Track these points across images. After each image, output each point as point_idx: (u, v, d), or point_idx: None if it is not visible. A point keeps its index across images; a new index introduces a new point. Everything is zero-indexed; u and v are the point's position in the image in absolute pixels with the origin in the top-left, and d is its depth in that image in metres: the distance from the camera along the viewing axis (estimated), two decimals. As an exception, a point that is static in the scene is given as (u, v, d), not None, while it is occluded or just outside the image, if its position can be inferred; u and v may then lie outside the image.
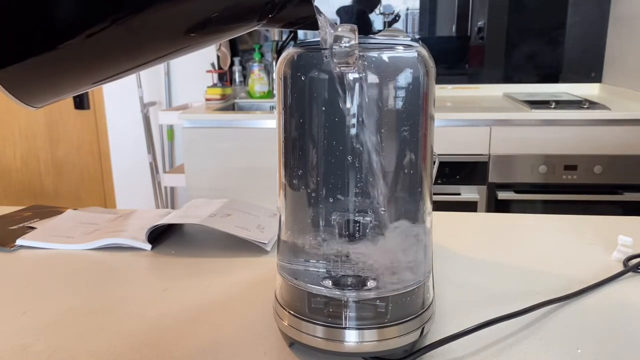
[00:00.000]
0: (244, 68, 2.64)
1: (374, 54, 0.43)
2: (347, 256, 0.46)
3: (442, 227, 0.82)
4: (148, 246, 0.75)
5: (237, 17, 0.38)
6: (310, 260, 0.47)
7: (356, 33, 0.41)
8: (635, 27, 2.23)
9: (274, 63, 2.51)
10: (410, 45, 0.45)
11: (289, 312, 0.49)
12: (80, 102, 2.77)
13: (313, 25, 0.41)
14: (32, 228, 0.83)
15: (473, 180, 2.03)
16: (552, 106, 2.04)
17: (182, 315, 0.57)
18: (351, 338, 0.46)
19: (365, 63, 0.42)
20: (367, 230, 0.45)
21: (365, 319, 0.46)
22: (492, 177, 2.02)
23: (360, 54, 0.42)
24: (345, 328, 0.46)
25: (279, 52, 2.48)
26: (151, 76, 2.69)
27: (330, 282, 0.47)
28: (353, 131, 0.43)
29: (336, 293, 0.46)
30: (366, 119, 0.43)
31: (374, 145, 0.44)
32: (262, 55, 2.53)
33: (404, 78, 0.43)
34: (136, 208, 0.96)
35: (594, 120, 1.95)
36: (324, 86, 0.43)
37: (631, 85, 2.23)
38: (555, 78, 2.51)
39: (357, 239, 0.46)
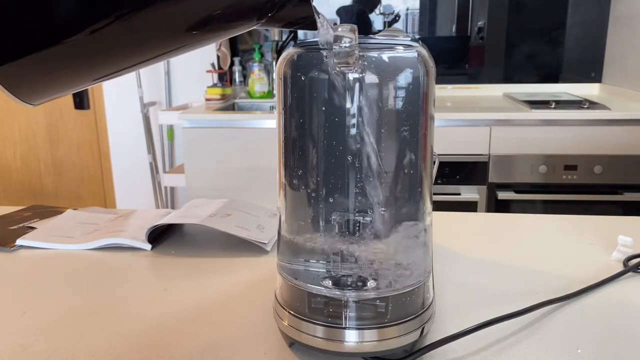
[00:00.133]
0: (244, 68, 2.64)
1: (374, 54, 0.43)
2: (347, 256, 0.46)
3: (442, 227, 0.82)
4: (148, 246, 0.75)
5: (237, 15, 0.38)
6: (310, 260, 0.47)
7: (356, 33, 0.41)
8: (635, 27, 2.23)
9: (274, 63, 2.51)
10: (410, 45, 0.45)
11: (289, 312, 0.49)
12: (80, 102, 2.77)
13: (313, 25, 0.41)
14: (32, 228, 0.83)
15: (473, 180, 2.03)
16: (552, 106, 2.04)
17: (182, 315, 0.57)
18: (351, 338, 0.46)
19: (365, 63, 0.42)
20: (367, 230, 0.45)
21: (365, 319, 0.46)
22: (492, 177, 2.02)
23: (360, 54, 0.42)
24: (345, 328, 0.46)
25: (279, 52, 2.48)
26: (151, 76, 2.69)
27: (330, 282, 0.47)
28: (353, 131, 0.43)
29: (336, 293, 0.46)
30: (366, 119, 0.43)
31: (374, 145, 0.44)
32: (262, 55, 2.53)
33: (404, 78, 0.43)
34: (136, 208, 0.96)
35: (594, 120, 1.95)
36: (324, 86, 0.43)
37: (631, 85, 2.23)
38: (555, 78, 2.51)
39: (357, 239, 0.46)
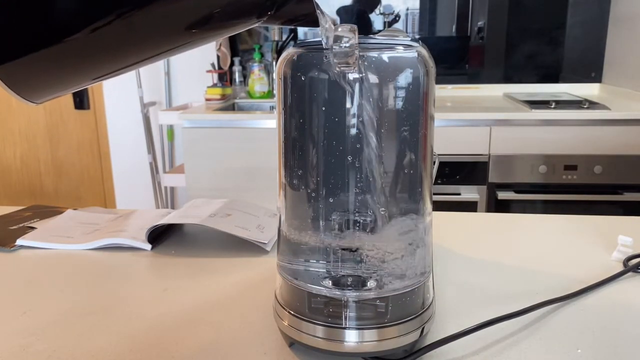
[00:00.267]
0: (244, 68, 2.65)
1: (374, 54, 0.43)
2: (347, 256, 0.46)
3: (442, 227, 0.82)
4: (148, 246, 0.75)
5: (237, 13, 0.38)
6: (310, 260, 0.47)
7: (356, 33, 0.41)
8: (635, 27, 2.23)
9: (274, 63, 2.51)
10: (410, 45, 0.45)
11: (289, 312, 0.49)
12: (80, 102, 2.77)
13: (313, 22, 0.41)
14: (32, 228, 0.83)
15: (473, 180, 2.03)
16: (552, 106, 2.04)
17: (182, 315, 0.57)
18: (351, 338, 0.46)
19: (365, 63, 0.42)
20: (367, 230, 0.45)
21: (365, 319, 0.46)
22: (492, 177, 2.02)
23: (360, 54, 0.42)
24: (345, 328, 0.46)
25: (279, 52, 2.48)
26: (151, 76, 2.69)
27: (330, 282, 0.47)
28: (353, 131, 0.43)
29: (336, 293, 0.46)
30: (366, 119, 0.43)
31: (374, 145, 0.44)
32: (262, 55, 2.53)
33: (404, 78, 0.43)
34: (136, 208, 0.96)
35: (594, 120, 1.95)
36: (324, 86, 0.43)
37: (631, 85, 2.23)
38: (555, 78, 2.51)
39: (357, 238, 0.46)
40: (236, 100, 2.53)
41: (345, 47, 0.40)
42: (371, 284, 0.46)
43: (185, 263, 0.71)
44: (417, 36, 2.53)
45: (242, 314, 0.57)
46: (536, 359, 0.48)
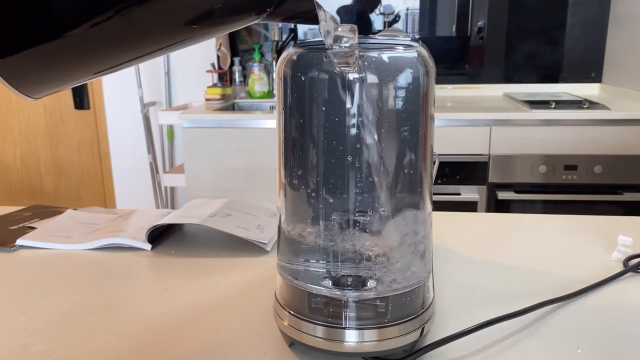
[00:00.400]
0: (244, 68, 2.65)
1: (374, 54, 0.43)
2: (347, 256, 0.46)
3: (442, 227, 0.82)
4: (148, 246, 0.75)
5: (236, 9, 0.38)
6: (310, 260, 0.47)
7: (356, 33, 0.41)
8: (635, 27, 2.23)
9: (274, 63, 2.51)
10: (410, 45, 0.45)
11: (289, 312, 0.49)
12: (80, 102, 2.77)
13: (314, 20, 0.41)
14: (32, 228, 0.83)
15: (473, 180, 2.03)
16: (552, 106, 2.04)
17: (182, 315, 0.57)
18: (351, 338, 0.46)
19: (365, 63, 0.42)
20: (367, 230, 0.45)
21: (365, 319, 0.46)
22: (492, 177, 2.02)
23: (360, 54, 0.42)
24: (345, 328, 0.46)
25: (279, 52, 2.48)
26: (151, 76, 2.69)
27: (330, 282, 0.47)
28: (353, 131, 0.43)
29: (336, 293, 0.46)
30: (366, 119, 0.43)
31: (374, 145, 0.44)
32: (262, 55, 2.53)
33: (404, 78, 0.43)
34: (136, 208, 0.96)
35: (594, 120, 1.95)
36: (324, 86, 0.43)
37: (631, 85, 2.23)
38: (555, 78, 2.51)
39: (357, 238, 0.46)
40: (236, 100, 2.53)
41: (345, 47, 0.40)
42: (371, 284, 0.46)
43: (185, 263, 0.71)
44: (417, 36, 2.53)
45: (242, 314, 0.57)
46: (536, 359, 0.48)
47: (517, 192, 2.02)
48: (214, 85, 2.52)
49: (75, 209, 0.92)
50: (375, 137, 0.43)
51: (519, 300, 0.58)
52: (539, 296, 0.58)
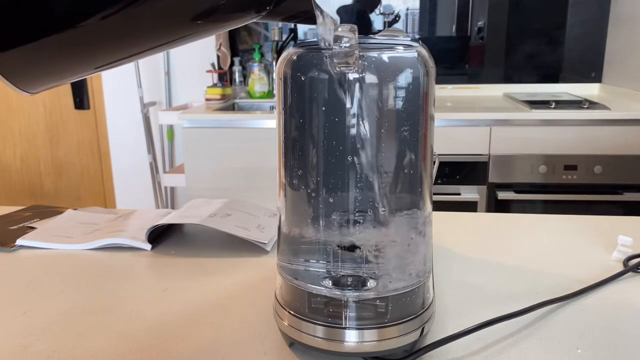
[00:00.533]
0: (244, 68, 2.65)
1: (374, 54, 0.43)
2: (347, 256, 0.46)
3: (442, 227, 0.82)
4: (148, 246, 0.75)
5: (236, 6, 0.38)
6: (310, 260, 0.47)
7: (356, 33, 0.41)
8: (635, 27, 2.23)
9: (274, 63, 2.51)
10: (410, 45, 0.45)
11: (289, 312, 0.49)
12: (80, 102, 2.77)
13: (314, 19, 0.41)
14: (32, 228, 0.83)
15: (473, 180, 2.03)
16: (552, 106, 2.04)
17: (182, 315, 0.57)
18: (351, 338, 0.46)
19: (365, 63, 0.42)
20: (367, 230, 0.45)
21: (365, 319, 0.46)
22: (492, 177, 2.02)
23: (360, 54, 0.42)
24: (345, 328, 0.46)
25: (279, 52, 2.48)
26: (151, 76, 2.69)
27: (330, 282, 0.47)
28: (353, 131, 0.43)
29: (336, 293, 0.46)
30: (366, 119, 0.43)
31: (374, 145, 0.44)
32: (262, 55, 2.53)
33: (404, 78, 0.43)
34: (136, 208, 0.96)
35: (594, 120, 1.95)
36: (324, 86, 0.43)
37: (631, 85, 2.23)
38: (555, 78, 2.51)
39: (356, 238, 0.46)
40: (236, 100, 2.53)
41: (345, 47, 0.40)
42: (371, 283, 0.46)
43: (185, 263, 0.71)
44: (417, 36, 2.53)
45: (242, 314, 0.57)
46: (536, 359, 0.48)
47: (517, 192, 2.02)
48: (214, 85, 2.52)
49: (75, 209, 0.92)
50: (375, 137, 0.43)
51: (519, 300, 0.58)
52: (539, 296, 0.58)
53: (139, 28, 0.35)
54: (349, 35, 0.40)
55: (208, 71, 2.59)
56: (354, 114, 0.43)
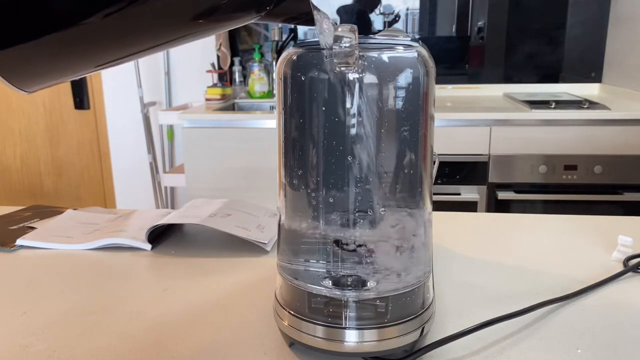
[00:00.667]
0: (244, 68, 2.65)
1: (374, 54, 0.43)
2: (347, 256, 0.46)
3: (442, 227, 0.82)
4: (148, 246, 0.75)
5: (236, 5, 0.38)
6: (310, 260, 0.47)
7: (356, 33, 0.41)
8: (635, 27, 2.23)
9: (274, 63, 2.51)
10: (410, 45, 0.45)
11: (289, 312, 0.49)
12: (80, 102, 2.77)
13: (314, 21, 0.41)
14: (32, 228, 0.83)
15: (473, 180, 2.03)
16: (552, 106, 2.04)
17: (182, 315, 0.57)
18: (351, 338, 0.46)
19: (365, 63, 0.42)
20: (367, 230, 0.45)
21: (365, 319, 0.46)
22: (492, 177, 2.02)
23: (360, 54, 0.42)
24: (345, 328, 0.46)
25: (279, 52, 2.48)
26: (151, 76, 2.69)
27: (330, 282, 0.47)
28: (353, 131, 0.43)
29: (336, 293, 0.46)
30: (366, 119, 0.43)
31: (374, 145, 0.44)
32: (262, 55, 2.53)
33: (404, 78, 0.43)
34: (136, 208, 0.96)
35: (594, 120, 1.95)
36: (324, 86, 0.43)
37: (631, 85, 2.23)
38: (555, 78, 2.51)
39: (356, 238, 0.46)
40: (236, 100, 2.53)
41: (345, 47, 0.40)
42: (371, 284, 0.46)
43: (185, 263, 0.71)
44: (417, 36, 2.53)
45: (242, 314, 0.57)
46: (536, 359, 0.48)
47: (517, 192, 2.02)
48: (214, 85, 2.52)
49: (75, 209, 0.92)
50: (376, 137, 0.43)
51: (519, 300, 0.58)
52: (539, 296, 0.58)
53: (139, 27, 0.34)
54: (349, 35, 0.40)
55: (208, 71, 2.59)
56: (354, 114, 0.43)
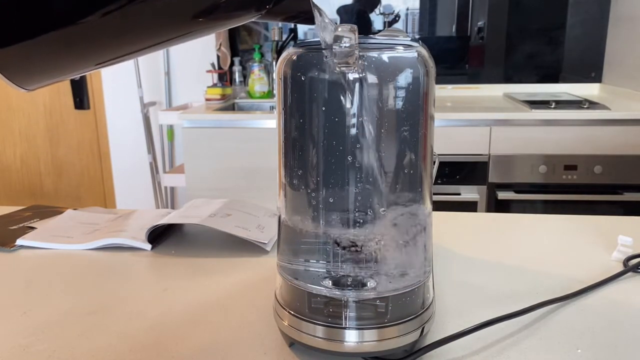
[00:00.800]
0: (244, 68, 2.65)
1: (374, 54, 0.43)
2: (347, 256, 0.46)
3: (442, 227, 0.82)
4: (148, 246, 0.75)
5: (236, 4, 0.38)
6: (310, 260, 0.47)
7: (356, 33, 0.41)
8: (635, 27, 2.23)
9: (274, 63, 2.51)
10: (410, 45, 0.45)
11: (289, 312, 0.49)
12: (80, 102, 2.77)
13: (313, 19, 0.41)
14: (32, 228, 0.83)
15: (473, 180, 2.03)
16: (552, 106, 2.04)
17: (182, 315, 0.57)
18: (351, 338, 0.46)
19: (365, 63, 0.42)
20: (367, 230, 0.45)
21: (365, 319, 0.46)
22: (492, 177, 2.02)
23: (360, 54, 0.42)
24: (345, 328, 0.46)
25: (279, 52, 2.48)
26: (151, 76, 2.69)
27: (330, 282, 0.47)
28: (353, 131, 0.43)
29: (336, 293, 0.46)
30: (366, 119, 0.43)
31: (374, 145, 0.44)
32: (262, 55, 2.53)
33: (404, 78, 0.43)
34: (136, 208, 0.96)
35: (594, 120, 1.95)
36: (324, 86, 0.43)
37: (631, 85, 2.23)
38: (555, 78, 2.51)
39: (356, 238, 0.46)
40: (236, 100, 2.53)
41: (345, 47, 0.40)
42: (371, 284, 0.46)
43: (185, 263, 0.71)
44: (417, 36, 2.53)
45: (242, 314, 0.57)
46: (536, 359, 0.48)
47: (517, 192, 2.02)
48: (214, 85, 2.52)
49: (75, 209, 0.92)
50: (376, 137, 0.43)
51: (519, 300, 0.58)
52: (539, 296, 0.58)
53: (139, 25, 0.34)
54: (349, 35, 0.40)
55: (208, 71, 2.59)
56: (353, 114, 0.43)
